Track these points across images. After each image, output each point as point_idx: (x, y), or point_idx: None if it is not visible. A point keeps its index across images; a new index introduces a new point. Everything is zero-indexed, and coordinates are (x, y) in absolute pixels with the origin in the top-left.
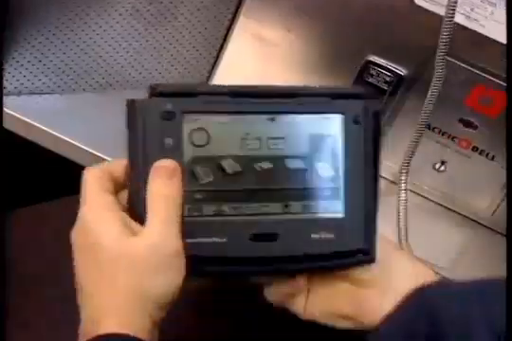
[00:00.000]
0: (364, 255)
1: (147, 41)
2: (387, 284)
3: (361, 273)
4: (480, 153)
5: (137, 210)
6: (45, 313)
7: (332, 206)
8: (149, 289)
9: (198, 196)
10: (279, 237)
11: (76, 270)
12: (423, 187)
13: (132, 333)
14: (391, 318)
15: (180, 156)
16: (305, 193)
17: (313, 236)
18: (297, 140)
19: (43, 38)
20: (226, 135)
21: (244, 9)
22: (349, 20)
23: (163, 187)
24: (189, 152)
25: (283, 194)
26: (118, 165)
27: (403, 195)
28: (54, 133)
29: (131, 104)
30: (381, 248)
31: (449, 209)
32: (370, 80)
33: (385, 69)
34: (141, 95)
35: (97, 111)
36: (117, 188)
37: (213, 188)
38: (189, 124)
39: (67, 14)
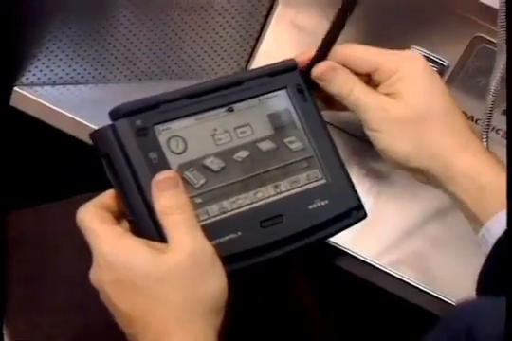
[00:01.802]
0: (358, 211)
1: (183, 30)
2: None
3: None
4: None
5: (151, 231)
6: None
7: (314, 175)
8: (203, 296)
9: (199, 200)
10: (284, 217)
11: (116, 308)
12: None
13: None
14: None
15: (169, 167)
16: (287, 170)
17: (310, 207)
18: (259, 123)
19: (77, 27)
20: (198, 136)
21: None
22: (390, 8)
23: (172, 198)
24: (174, 161)
25: (268, 177)
26: (107, 196)
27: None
28: (88, 124)
29: (100, 133)
30: None
31: None
32: None
33: (428, 59)
34: (177, 85)
35: None
36: (115, 218)
37: (209, 189)
38: (163, 135)
39: (102, 4)
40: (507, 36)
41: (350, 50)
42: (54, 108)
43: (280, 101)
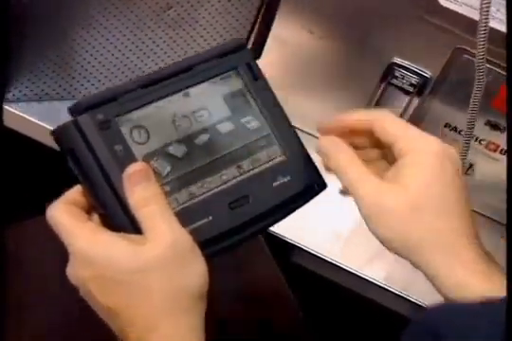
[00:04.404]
0: (318, 183)
1: (168, 45)
2: None
3: None
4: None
5: (125, 223)
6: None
7: (273, 152)
8: (187, 283)
9: (167, 188)
10: (250, 197)
11: (98, 303)
12: None
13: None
14: None
15: (135, 158)
16: (247, 150)
17: (274, 184)
18: (216, 105)
19: (62, 43)
20: (159, 124)
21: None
22: (373, 21)
23: (145, 190)
24: (139, 152)
25: (231, 158)
26: (75, 192)
27: None
28: None
29: (63, 129)
30: None
31: (477, 213)
32: (395, 82)
33: (410, 71)
34: None
35: None
36: (86, 212)
37: (176, 176)
38: (125, 126)
39: (87, 19)
40: (507, 40)
41: (381, 118)
42: (40, 123)
43: (232, 82)
